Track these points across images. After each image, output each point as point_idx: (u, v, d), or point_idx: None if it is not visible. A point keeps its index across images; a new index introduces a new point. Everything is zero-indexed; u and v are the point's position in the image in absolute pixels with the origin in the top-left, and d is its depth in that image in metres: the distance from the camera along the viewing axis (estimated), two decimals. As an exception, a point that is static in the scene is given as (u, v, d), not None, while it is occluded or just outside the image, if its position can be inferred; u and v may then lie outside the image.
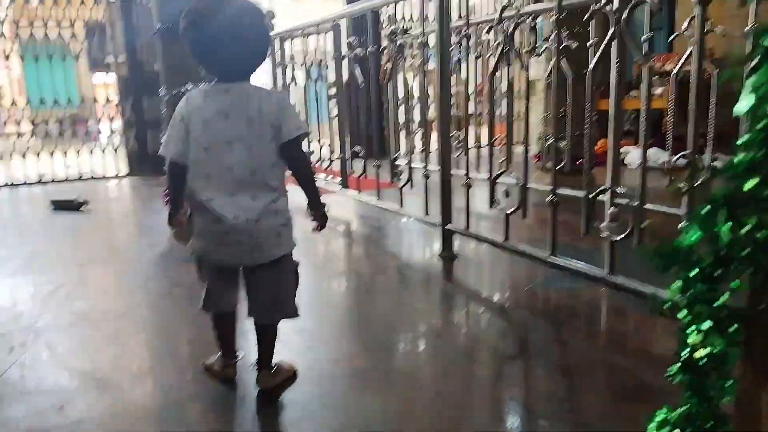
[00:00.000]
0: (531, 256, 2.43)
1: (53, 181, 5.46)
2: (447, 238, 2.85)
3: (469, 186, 2.75)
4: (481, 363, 1.82)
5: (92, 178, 5.65)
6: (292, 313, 1.61)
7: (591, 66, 2.11)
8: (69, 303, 2.37)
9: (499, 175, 2.60)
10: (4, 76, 5.31)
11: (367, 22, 6.57)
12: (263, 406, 1.54)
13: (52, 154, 5.62)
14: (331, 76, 4.01)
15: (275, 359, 1.62)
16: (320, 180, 4.25)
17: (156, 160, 5.34)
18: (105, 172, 5.81)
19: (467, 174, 2.76)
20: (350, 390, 1.62)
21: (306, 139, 1.46)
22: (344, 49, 3.70)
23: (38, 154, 5.69)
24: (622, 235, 2.00)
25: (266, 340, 1.61)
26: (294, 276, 1.60)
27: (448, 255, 2.81)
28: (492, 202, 2.61)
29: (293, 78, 4.52)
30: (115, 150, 5.93)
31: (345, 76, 3.98)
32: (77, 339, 2.03)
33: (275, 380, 1.60)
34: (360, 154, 3.65)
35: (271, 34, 4.97)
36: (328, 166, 4.15)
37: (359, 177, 3.69)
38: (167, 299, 2.41)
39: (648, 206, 2.05)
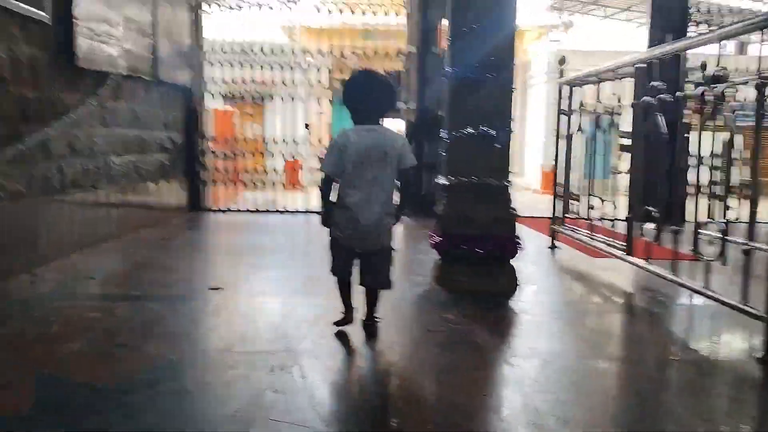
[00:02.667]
0: None
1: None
2: (773, 337, 2.16)
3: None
4: None
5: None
6: (389, 285, 2.38)
7: None
8: (330, 330, 2.42)
9: None
10: (317, 118, 6.13)
11: (674, 68, 5.87)
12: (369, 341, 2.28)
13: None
14: (625, 126, 3.55)
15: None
16: (599, 241, 3.76)
17: (429, 201, 5.35)
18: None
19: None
20: None
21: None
22: (646, 96, 3.22)
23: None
24: None
25: (371, 300, 2.37)
26: (391, 259, 2.36)
27: None
28: None
29: (580, 127, 4.17)
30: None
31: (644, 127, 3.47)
32: (329, 369, 2.03)
33: (376, 326, 2.37)
34: (654, 217, 3.09)
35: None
36: (610, 226, 3.64)
37: (650, 243, 3.12)
38: (417, 344, 2.29)
39: None
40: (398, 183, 2.28)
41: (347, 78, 2.41)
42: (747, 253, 2.38)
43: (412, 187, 2.31)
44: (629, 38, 15.10)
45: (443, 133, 3.33)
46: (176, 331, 2.37)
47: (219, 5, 6.08)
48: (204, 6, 6.06)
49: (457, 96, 3.22)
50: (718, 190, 3.61)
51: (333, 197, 2.29)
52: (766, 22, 2.29)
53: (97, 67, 3.92)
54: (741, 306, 2.37)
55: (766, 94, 2.47)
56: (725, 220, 2.61)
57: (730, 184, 2.83)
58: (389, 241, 2.33)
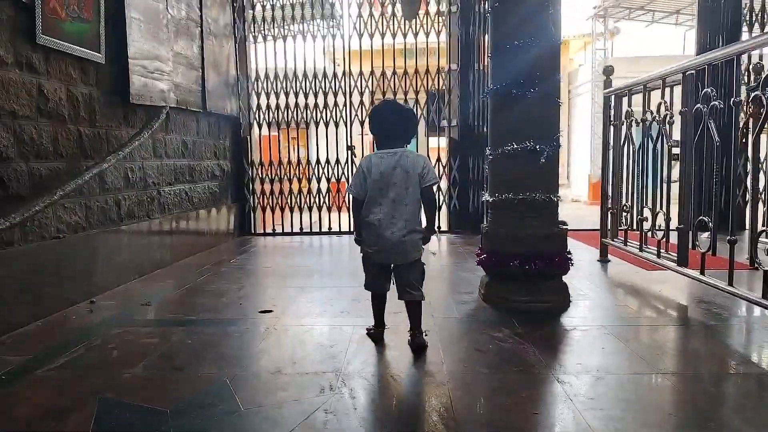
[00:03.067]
0: None
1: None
2: (841, 350, 2.05)
3: None
4: None
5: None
6: (420, 296, 2.50)
7: None
8: (377, 350, 2.45)
9: None
10: (360, 140, 6.21)
11: (727, 72, 5.66)
12: (416, 361, 2.39)
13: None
14: (675, 134, 3.44)
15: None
16: (651, 253, 3.65)
17: (475, 218, 5.40)
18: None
19: None
20: None
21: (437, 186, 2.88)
22: (697, 102, 3.13)
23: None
24: None
25: (413, 311, 2.52)
26: (422, 271, 2.52)
27: None
28: None
29: (627, 137, 4.08)
30: (439, 208, 6.33)
31: (695, 135, 3.36)
32: (378, 390, 2.04)
33: (424, 340, 2.49)
34: (708, 226, 2.98)
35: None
36: (662, 238, 3.53)
37: (705, 253, 3.01)
38: (465, 363, 2.28)
39: None
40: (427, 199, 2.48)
41: (373, 109, 2.62)
42: (810, 261, 2.27)
43: (431, 201, 2.53)
44: (678, 42, 14.67)
45: (487, 150, 3.32)
46: (229, 354, 2.43)
47: (264, 36, 6.30)
48: (249, 37, 6.29)
49: (499, 111, 3.21)
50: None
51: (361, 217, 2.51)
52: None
53: (149, 102, 4.13)
54: (806, 318, 2.26)
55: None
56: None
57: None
58: (418, 254, 2.49)
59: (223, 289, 3.66)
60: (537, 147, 3.05)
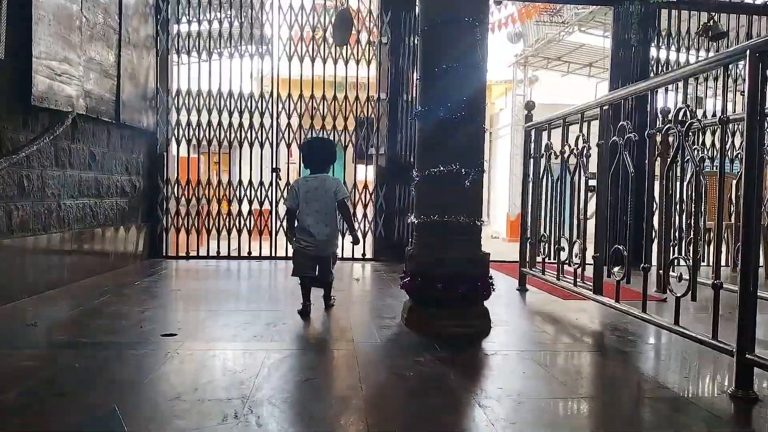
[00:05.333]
0: None
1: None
2: (744, 372, 2.13)
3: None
4: None
5: (341, 258, 5.97)
6: (332, 276, 3.54)
7: None
8: (291, 375, 2.28)
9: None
10: (286, 165, 6.06)
11: (638, 112, 6.04)
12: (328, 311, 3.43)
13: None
14: (592, 167, 3.56)
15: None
16: (568, 282, 3.71)
17: (401, 246, 5.43)
18: (353, 254, 6.15)
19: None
20: None
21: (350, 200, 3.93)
22: (613, 135, 3.25)
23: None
24: None
25: (326, 288, 3.57)
26: (335, 259, 3.54)
27: (744, 395, 2.11)
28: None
29: (547, 169, 4.19)
30: (364, 235, 6.25)
31: (610, 167, 3.48)
32: (288, 417, 1.87)
33: (331, 305, 3.58)
34: (622, 256, 3.06)
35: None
36: (579, 267, 3.60)
37: (619, 282, 3.08)
38: (384, 389, 2.16)
39: None
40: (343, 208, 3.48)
41: (303, 142, 3.73)
42: (715, 288, 2.35)
43: (346, 212, 3.51)
44: (590, 92, 15.76)
45: (414, 171, 3.29)
46: (122, 380, 2.18)
47: (188, 51, 6.06)
48: (173, 51, 6.03)
49: (426, 133, 3.20)
50: (686, 229, 3.63)
51: (294, 223, 3.47)
52: (733, 58, 2.35)
53: (54, 106, 3.81)
54: (711, 341, 2.33)
55: (727, 132, 2.51)
56: (692, 258, 2.58)
57: (696, 224, 2.81)
58: (336, 248, 3.54)
59: (123, 311, 3.35)
60: (462, 170, 3.04)
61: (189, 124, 6.06)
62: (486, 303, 3.16)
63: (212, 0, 6.04)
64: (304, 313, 3.32)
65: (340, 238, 3.56)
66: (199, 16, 6.12)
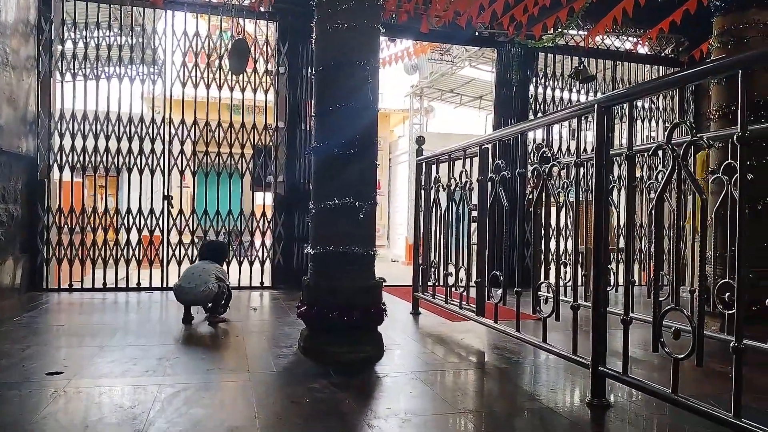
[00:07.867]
0: (707, 414, 1.95)
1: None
2: (599, 382, 2.46)
3: (627, 323, 2.37)
4: None
5: (239, 287, 5.93)
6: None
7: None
8: (185, 409, 2.30)
9: (665, 314, 2.19)
10: (179, 191, 5.94)
11: (517, 148, 6.62)
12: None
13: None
14: (474, 199, 3.90)
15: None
16: (454, 305, 4.00)
17: (299, 274, 5.47)
18: (251, 283, 6.12)
19: (627, 311, 2.40)
20: None
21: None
22: (490, 172, 3.60)
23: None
24: None
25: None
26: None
27: (599, 403, 2.43)
28: (657, 344, 2.19)
29: (435, 200, 4.49)
30: (262, 263, 6.25)
31: (489, 200, 3.84)
32: (184, 450, 1.91)
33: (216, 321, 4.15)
34: (499, 280, 3.38)
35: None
36: (463, 291, 3.90)
37: (497, 304, 3.39)
38: (280, 417, 2.25)
39: None
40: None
41: (203, 242, 4.83)
42: (575, 308, 2.70)
43: (220, 291, 4.21)
44: (481, 123, 16.80)
45: (310, 204, 3.42)
46: (4, 423, 2.09)
47: (73, 73, 5.81)
48: (56, 73, 5.75)
49: (322, 168, 3.35)
50: (553, 256, 4.06)
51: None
52: (584, 111, 2.73)
53: None
54: (572, 357, 2.66)
55: (581, 172, 2.90)
56: (557, 282, 2.93)
57: (562, 251, 3.20)
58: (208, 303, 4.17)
59: (3, 349, 3.16)
60: (356, 203, 3.22)
61: (73, 149, 5.77)
62: (380, 327, 3.34)
63: (100, 21, 5.86)
64: (189, 322, 4.09)
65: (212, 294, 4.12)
66: (86, 37, 5.90)
